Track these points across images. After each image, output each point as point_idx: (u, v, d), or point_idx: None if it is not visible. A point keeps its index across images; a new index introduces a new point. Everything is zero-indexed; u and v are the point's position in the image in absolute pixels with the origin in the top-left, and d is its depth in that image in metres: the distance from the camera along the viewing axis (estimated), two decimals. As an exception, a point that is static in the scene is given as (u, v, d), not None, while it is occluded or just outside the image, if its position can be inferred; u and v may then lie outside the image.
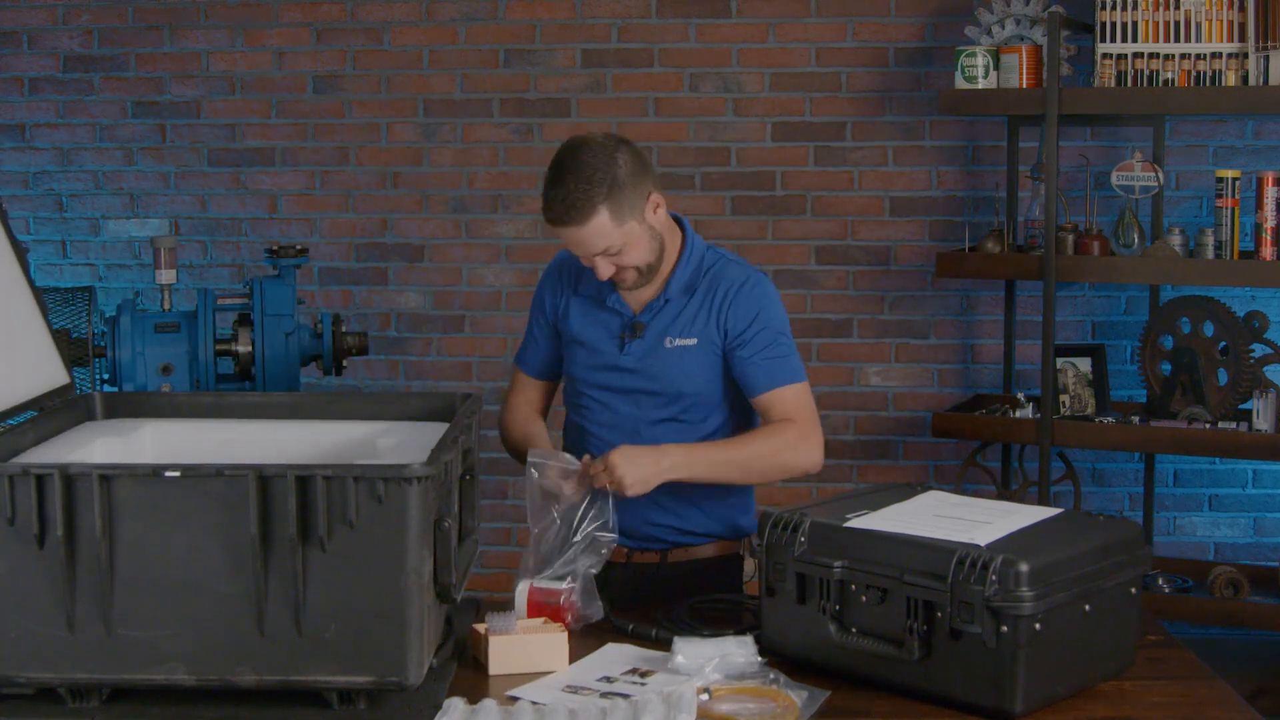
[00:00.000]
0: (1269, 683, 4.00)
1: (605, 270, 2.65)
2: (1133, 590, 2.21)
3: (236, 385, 3.45)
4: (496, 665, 2.26)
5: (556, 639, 2.29)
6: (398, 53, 4.69)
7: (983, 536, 2.13)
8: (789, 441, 2.67)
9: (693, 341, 2.72)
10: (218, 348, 3.43)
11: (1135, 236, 4.07)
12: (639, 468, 2.55)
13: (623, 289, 2.74)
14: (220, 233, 4.80)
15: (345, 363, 3.55)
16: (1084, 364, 4.24)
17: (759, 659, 2.23)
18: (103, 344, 3.43)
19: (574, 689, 2.18)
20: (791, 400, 2.71)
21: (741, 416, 2.80)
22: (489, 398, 4.62)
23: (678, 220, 2.80)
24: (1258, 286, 4.22)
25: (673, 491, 2.69)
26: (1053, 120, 3.96)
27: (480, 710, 2.06)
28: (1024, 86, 4.06)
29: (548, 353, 2.88)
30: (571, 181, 2.55)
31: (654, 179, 2.66)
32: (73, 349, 3.41)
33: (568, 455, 2.60)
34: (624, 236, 2.60)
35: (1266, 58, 3.84)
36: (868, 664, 2.17)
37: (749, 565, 2.85)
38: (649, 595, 2.67)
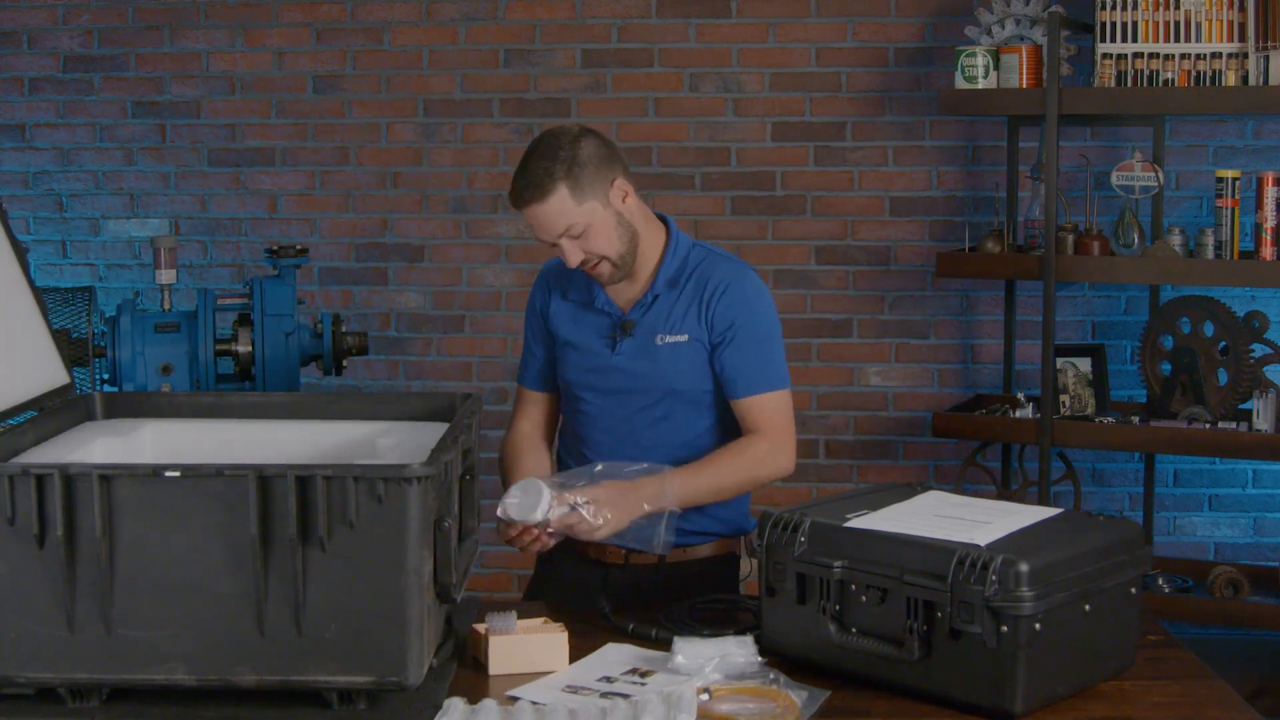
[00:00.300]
0: (1269, 683, 4.00)
1: (573, 255, 2.65)
2: (1133, 590, 2.21)
3: (236, 385, 3.45)
4: (496, 665, 2.26)
5: (556, 639, 2.29)
6: (398, 53, 4.69)
7: (983, 536, 2.13)
8: (759, 458, 2.70)
9: (684, 338, 2.72)
10: (218, 348, 3.43)
11: (1135, 236, 4.07)
12: (616, 514, 2.53)
13: (602, 284, 2.74)
14: (220, 233, 4.80)
15: (345, 363, 3.55)
16: (1084, 364, 4.24)
17: (759, 659, 2.23)
18: (103, 344, 3.43)
19: (574, 689, 2.18)
20: (768, 409, 2.72)
21: (731, 417, 2.80)
22: (489, 398, 4.63)
23: (663, 219, 2.81)
24: (1258, 286, 4.22)
25: None
26: (1053, 120, 3.96)
27: (480, 710, 2.06)
28: (1024, 86, 4.06)
29: (547, 361, 2.87)
30: (532, 162, 2.61)
31: (623, 169, 2.68)
32: (73, 349, 3.41)
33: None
34: (586, 216, 2.61)
35: (1266, 58, 3.84)
36: (868, 664, 2.17)
37: (744, 565, 2.85)
38: (648, 597, 2.67)
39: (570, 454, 2.86)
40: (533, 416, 2.90)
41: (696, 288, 2.74)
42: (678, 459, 2.69)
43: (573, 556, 2.82)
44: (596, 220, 2.63)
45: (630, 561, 2.78)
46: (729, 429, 2.78)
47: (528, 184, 2.60)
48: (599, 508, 2.50)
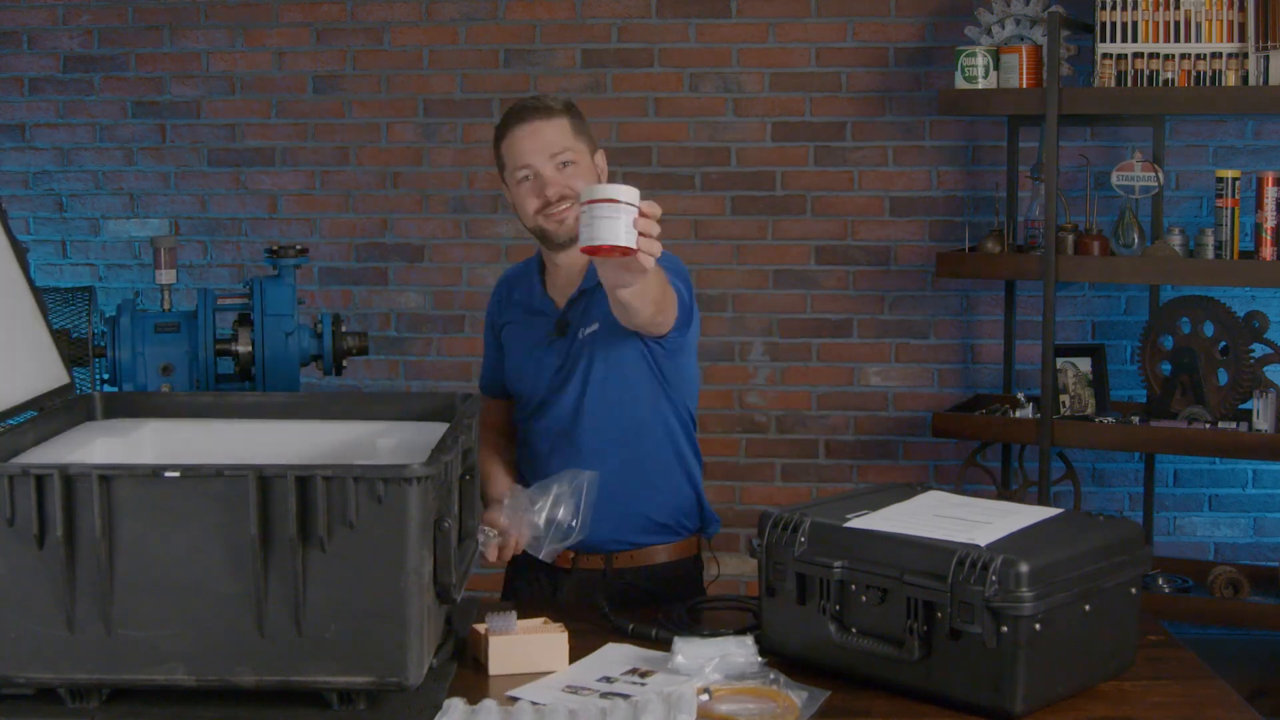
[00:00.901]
0: (1269, 683, 4.00)
1: (555, 184, 2.67)
2: (1133, 590, 2.21)
3: (236, 385, 3.45)
4: (496, 665, 2.26)
5: (556, 639, 2.29)
6: (398, 53, 4.69)
7: (983, 536, 2.13)
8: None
9: (595, 327, 2.72)
10: (218, 348, 3.42)
11: (1135, 236, 4.07)
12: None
13: (563, 231, 2.69)
14: (220, 233, 4.80)
15: (345, 363, 3.54)
16: (1084, 364, 4.24)
17: (759, 659, 2.23)
18: (103, 344, 3.42)
19: (574, 689, 2.18)
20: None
21: (677, 405, 2.77)
22: (489, 398, 4.62)
23: None
24: (1258, 286, 4.23)
25: (614, 485, 2.65)
26: (1053, 120, 3.96)
27: (480, 710, 2.06)
28: (1024, 86, 4.06)
29: (501, 369, 2.93)
30: (530, 98, 2.74)
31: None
32: (73, 349, 3.40)
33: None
34: (576, 151, 2.70)
35: (1266, 58, 3.84)
36: (868, 664, 2.17)
37: (712, 567, 2.85)
38: (598, 602, 2.64)
39: (529, 456, 2.85)
40: (493, 423, 2.93)
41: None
42: (636, 428, 2.71)
43: (530, 565, 2.81)
44: (584, 162, 2.71)
45: (578, 566, 2.78)
46: (679, 422, 2.78)
47: (535, 105, 2.69)
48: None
